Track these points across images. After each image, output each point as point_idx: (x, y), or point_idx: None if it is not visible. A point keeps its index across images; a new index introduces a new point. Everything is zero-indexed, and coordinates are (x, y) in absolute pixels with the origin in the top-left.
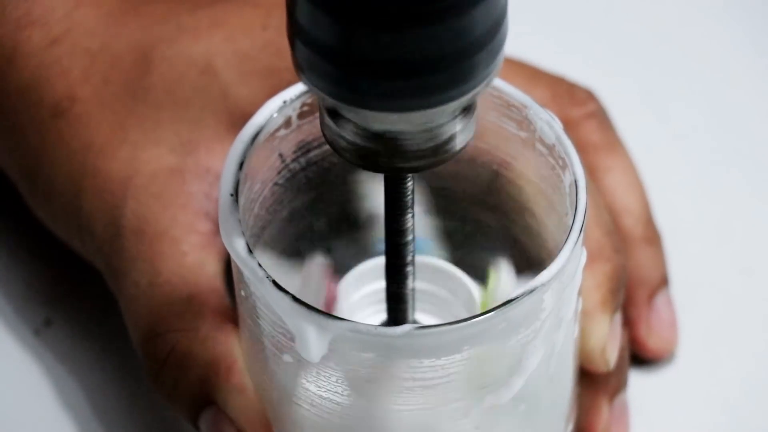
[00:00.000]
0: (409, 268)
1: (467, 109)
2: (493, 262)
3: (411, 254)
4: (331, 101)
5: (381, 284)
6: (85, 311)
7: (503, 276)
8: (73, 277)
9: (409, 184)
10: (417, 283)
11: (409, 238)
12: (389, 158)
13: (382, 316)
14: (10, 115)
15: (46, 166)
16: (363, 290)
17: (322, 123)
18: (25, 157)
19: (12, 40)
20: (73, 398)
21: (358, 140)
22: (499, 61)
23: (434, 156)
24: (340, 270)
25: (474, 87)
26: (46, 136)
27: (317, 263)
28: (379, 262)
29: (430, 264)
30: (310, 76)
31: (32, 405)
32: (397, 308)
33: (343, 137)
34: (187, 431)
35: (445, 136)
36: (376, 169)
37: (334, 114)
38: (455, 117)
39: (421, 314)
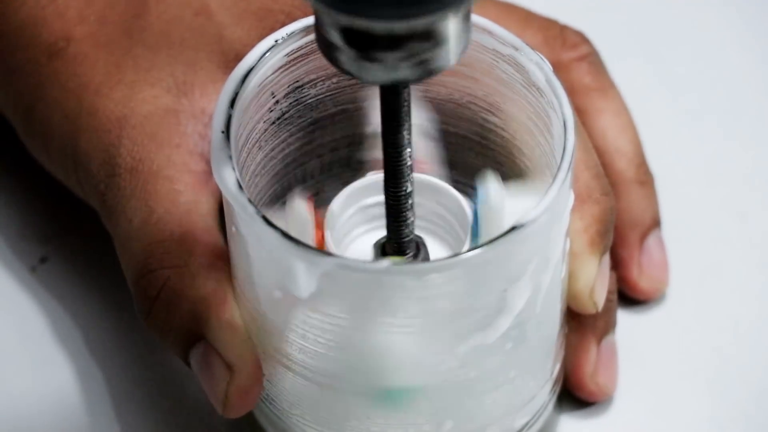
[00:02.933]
0: (408, 183)
1: (458, 23)
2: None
3: (410, 168)
4: (324, 11)
5: (372, 200)
6: (81, 249)
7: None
8: (68, 216)
9: (406, 94)
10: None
11: (407, 150)
12: (383, 69)
13: (376, 233)
14: (7, 56)
15: (42, 105)
16: (355, 207)
17: (320, 37)
18: (21, 97)
19: None
20: (68, 333)
21: (352, 50)
22: None
23: (431, 65)
24: (323, 203)
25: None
26: (42, 76)
27: (300, 197)
28: (370, 180)
29: (423, 180)
30: None
31: (28, 340)
32: (396, 224)
33: (342, 51)
34: (179, 366)
35: (437, 48)
36: (369, 81)
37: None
38: (447, 30)
39: (420, 231)
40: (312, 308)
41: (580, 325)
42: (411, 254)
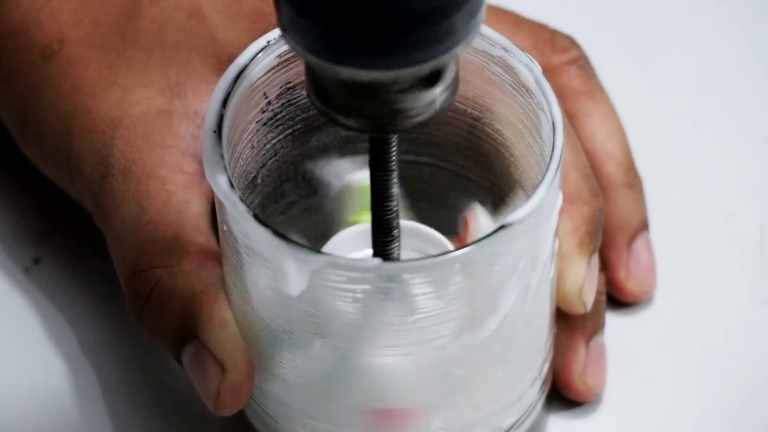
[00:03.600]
0: (396, 233)
1: (447, 71)
2: (470, 210)
3: (396, 212)
4: (313, 61)
5: (365, 252)
6: (74, 250)
7: (482, 222)
8: (62, 217)
9: (394, 144)
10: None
11: (395, 199)
12: (372, 118)
13: None
14: (1, 58)
15: (36, 107)
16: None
17: (308, 86)
18: (15, 99)
19: None
20: (61, 334)
21: (344, 102)
22: (479, 21)
23: (418, 117)
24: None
25: (452, 46)
26: (36, 78)
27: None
28: (362, 228)
29: (413, 228)
30: (294, 36)
31: (22, 341)
32: None
33: (331, 100)
34: (172, 366)
35: (427, 97)
36: (357, 130)
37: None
38: (435, 79)
39: None
40: (302, 306)
41: (569, 325)
42: None
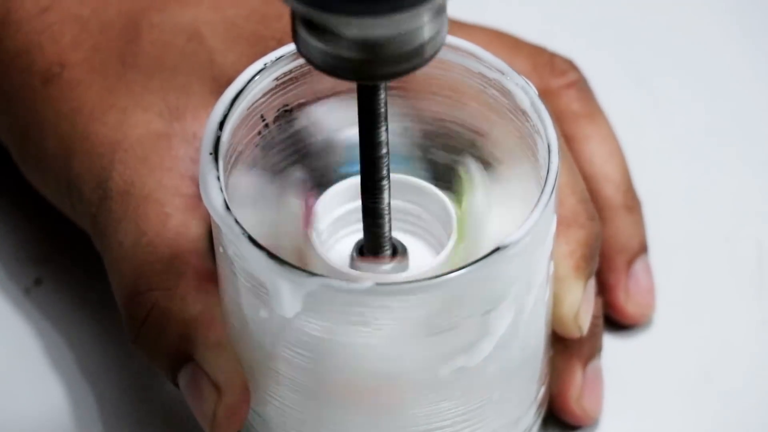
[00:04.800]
0: (385, 182)
1: (438, 12)
2: (464, 166)
3: (386, 168)
4: (304, 9)
5: (358, 203)
6: (74, 271)
7: (476, 180)
8: (62, 239)
9: (383, 94)
10: (393, 201)
11: (384, 151)
12: (363, 65)
13: (360, 236)
14: (2, 81)
15: (37, 130)
16: (340, 210)
17: (297, 38)
18: (16, 122)
19: (4, 6)
20: (61, 355)
21: (331, 49)
22: None
23: (407, 61)
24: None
25: None
26: (37, 101)
27: (294, 179)
28: (355, 181)
29: (405, 181)
30: None
31: (21, 361)
32: (373, 225)
33: (317, 48)
34: (170, 388)
35: (417, 41)
36: (350, 78)
37: (308, 25)
38: (426, 21)
39: (399, 233)
40: (297, 327)
41: (566, 348)
42: (387, 255)
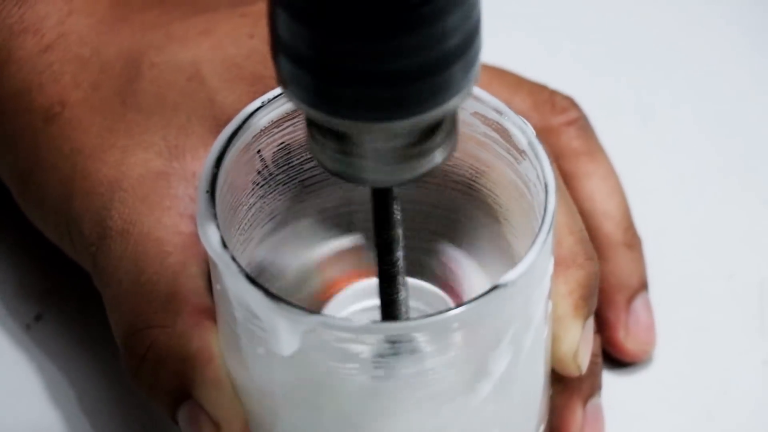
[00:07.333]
0: (401, 286)
1: (447, 121)
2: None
3: (402, 270)
4: (313, 114)
5: (372, 303)
6: (75, 307)
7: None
8: (63, 275)
9: (396, 197)
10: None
11: (399, 253)
12: (373, 171)
13: None
14: (3, 120)
15: (37, 169)
16: (353, 308)
17: (309, 139)
18: (17, 161)
19: (5, 46)
20: (61, 391)
21: (341, 155)
22: (476, 72)
23: (419, 168)
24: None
25: (450, 98)
26: (38, 140)
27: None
28: (369, 282)
29: (417, 286)
30: (293, 89)
31: (22, 397)
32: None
33: (327, 152)
34: (170, 425)
35: (427, 148)
36: (359, 182)
37: (320, 129)
38: (435, 130)
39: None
40: (295, 365)
41: (566, 387)
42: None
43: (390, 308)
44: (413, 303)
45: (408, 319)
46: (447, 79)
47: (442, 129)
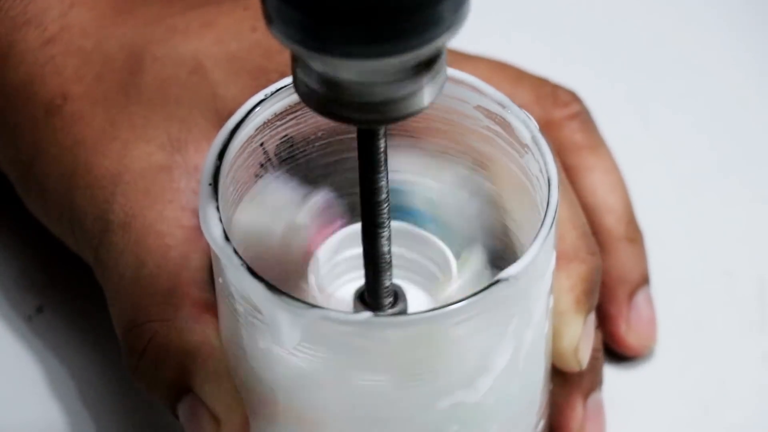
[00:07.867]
0: (386, 229)
1: (433, 62)
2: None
3: (386, 214)
4: (300, 50)
5: (359, 250)
6: (76, 300)
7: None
8: (64, 267)
9: (382, 140)
10: (394, 248)
11: (384, 196)
12: (359, 109)
13: (361, 282)
14: (5, 113)
15: (39, 162)
16: (341, 256)
17: (295, 77)
18: (19, 153)
19: (8, 39)
20: (62, 383)
21: (327, 91)
22: (465, 10)
23: (404, 109)
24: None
25: (438, 36)
26: (39, 133)
27: (322, 198)
28: (357, 227)
29: (405, 229)
30: (278, 25)
31: (23, 389)
32: (374, 272)
33: (313, 89)
34: (171, 419)
35: (412, 88)
36: (346, 121)
37: (305, 66)
38: (421, 70)
39: (400, 280)
40: (296, 358)
41: (566, 382)
42: (389, 303)
43: (373, 257)
44: (403, 252)
45: (409, 314)
46: (435, 15)
47: (431, 69)
